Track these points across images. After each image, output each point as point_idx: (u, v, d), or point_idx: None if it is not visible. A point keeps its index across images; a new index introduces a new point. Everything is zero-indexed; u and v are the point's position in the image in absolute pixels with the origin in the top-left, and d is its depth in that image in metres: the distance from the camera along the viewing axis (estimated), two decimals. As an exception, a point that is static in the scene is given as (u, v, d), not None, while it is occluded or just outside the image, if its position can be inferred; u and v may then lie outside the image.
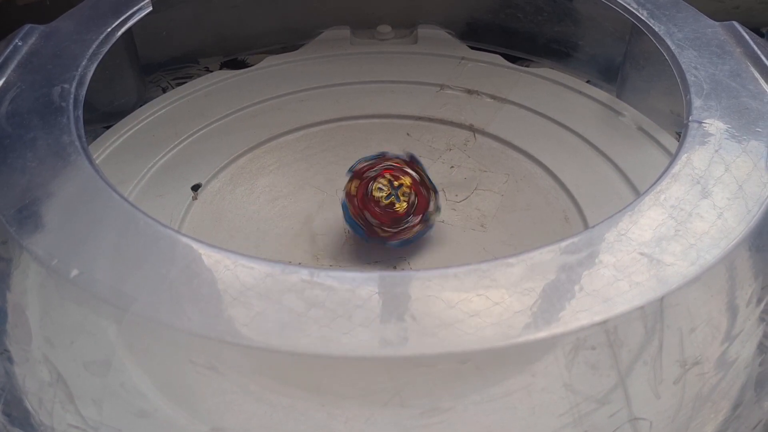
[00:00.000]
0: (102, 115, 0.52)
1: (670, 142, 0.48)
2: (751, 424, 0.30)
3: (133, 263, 0.28)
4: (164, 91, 0.56)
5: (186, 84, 0.55)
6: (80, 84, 0.37)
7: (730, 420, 0.30)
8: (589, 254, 0.28)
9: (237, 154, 0.49)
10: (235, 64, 0.61)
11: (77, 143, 0.33)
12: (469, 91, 0.55)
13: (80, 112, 0.35)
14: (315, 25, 0.61)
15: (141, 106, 0.53)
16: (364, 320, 0.26)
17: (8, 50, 0.39)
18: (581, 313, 0.26)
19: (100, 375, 0.28)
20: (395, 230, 0.41)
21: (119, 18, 0.43)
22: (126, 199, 0.30)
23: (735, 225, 0.30)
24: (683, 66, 0.38)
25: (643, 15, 0.43)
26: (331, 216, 0.46)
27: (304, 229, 0.45)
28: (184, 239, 0.28)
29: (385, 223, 0.41)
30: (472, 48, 0.59)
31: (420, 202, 0.41)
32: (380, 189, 0.40)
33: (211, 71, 0.59)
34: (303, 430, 0.28)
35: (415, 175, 0.41)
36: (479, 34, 0.61)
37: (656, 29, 0.42)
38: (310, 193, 0.48)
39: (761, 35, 0.64)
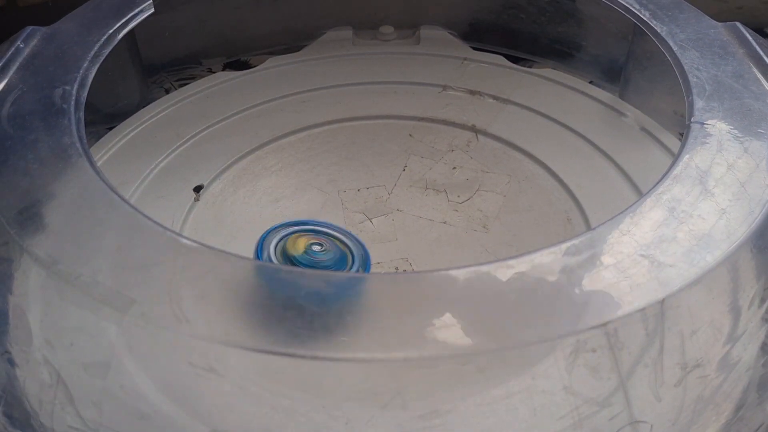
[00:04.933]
0: (105, 116, 0.52)
1: (673, 143, 0.48)
2: (754, 426, 0.30)
3: (133, 265, 0.28)
4: (167, 92, 0.56)
5: (188, 85, 0.55)
6: (81, 86, 0.37)
7: (732, 422, 0.30)
8: (590, 256, 0.28)
9: (239, 155, 0.49)
10: (238, 65, 0.61)
11: (78, 145, 0.33)
12: (472, 92, 0.55)
13: (81, 113, 0.35)
14: (317, 26, 0.61)
15: (144, 107, 0.53)
16: (365, 321, 0.26)
17: (10, 52, 0.39)
18: (582, 315, 0.26)
19: (100, 377, 0.28)
20: None
21: (121, 20, 0.43)
22: (127, 201, 0.30)
23: (737, 226, 0.30)
24: (685, 67, 0.38)
25: (645, 16, 0.43)
26: (333, 218, 0.46)
27: (306, 231, 0.45)
28: (185, 241, 0.29)
29: None
30: (475, 49, 0.59)
31: None
32: None
33: (214, 72, 0.59)
34: (303, 431, 0.28)
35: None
36: (482, 35, 0.61)
37: (658, 30, 0.42)
38: (312, 195, 0.48)
39: (765, 35, 0.64)
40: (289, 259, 0.37)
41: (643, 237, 0.29)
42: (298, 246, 0.37)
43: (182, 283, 0.27)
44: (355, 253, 0.38)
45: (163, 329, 0.26)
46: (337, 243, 0.38)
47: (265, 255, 0.37)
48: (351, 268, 0.37)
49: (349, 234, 0.39)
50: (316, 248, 0.37)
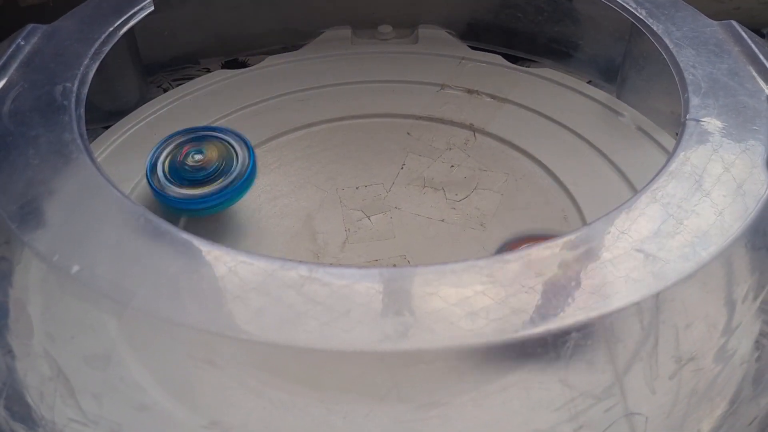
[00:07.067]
0: (104, 114, 0.52)
1: (670, 143, 0.48)
2: (748, 419, 0.31)
3: (133, 259, 0.28)
4: (165, 91, 0.57)
5: (187, 83, 0.55)
6: (82, 83, 0.37)
7: (726, 415, 0.30)
8: (586, 251, 0.28)
9: (238, 153, 0.50)
10: (236, 65, 0.61)
11: (79, 141, 0.33)
12: (470, 91, 0.55)
13: (82, 110, 0.36)
14: (316, 25, 0.61)
15: (142, 105, 0.53)
16: (362, 315, 0.26)
17: (11, 49, 0.39)
18: (577, 309, 0.26)
19: (100, 369, 0.28)
20: None
21: (121, 17, 0.43)
22: (127, 196, 0.31)
23: (732, 222, 0.30)
24: (681, 64, 0.38)
25: (641, 14, 0.44)
26: (332, 214, 0.46)
27: (304, 228, 0.45)
28: (184, 236, 0.29)
29: None
30: (473, 48, 0.60)
31: None
32: None
33: (212, 72, 0.59)
34: (302, 424, 0.28)
35: None
36: (480, 34, 0.61)
37: (654, 28, 0.42)
38: (310, 192, 0.48)
39: (762, 36, 0.64)
40: (174, 169, 0.43)
41: (638, 232, 0.29)
42: (182, 157, 0.44)
43: (181, 277, 0.27)
44: (239, 153, 0.45)
45: (163, 321, 0.27)
46: (221, 146, 0.45)
47: (152, 165, 0.44)
48: (234, 169, 0.44)
49: (236, 135, 0.46)
50: (198, 157, 0.44)
